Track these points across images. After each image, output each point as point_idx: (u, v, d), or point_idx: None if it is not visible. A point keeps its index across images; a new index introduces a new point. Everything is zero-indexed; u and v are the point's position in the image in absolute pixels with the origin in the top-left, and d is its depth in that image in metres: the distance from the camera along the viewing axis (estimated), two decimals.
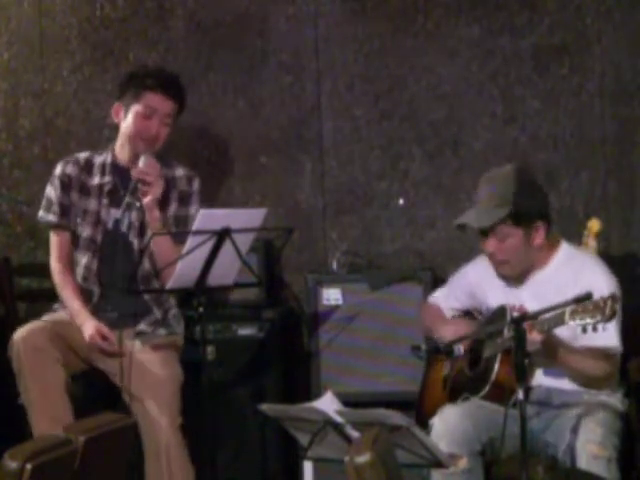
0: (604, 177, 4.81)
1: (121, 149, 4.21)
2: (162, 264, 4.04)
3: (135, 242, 4.15)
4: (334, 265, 4.84)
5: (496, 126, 4.88)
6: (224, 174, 5.06)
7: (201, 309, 3.90)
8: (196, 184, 4.25)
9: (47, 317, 4.19)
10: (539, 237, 3.79)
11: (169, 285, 3.90)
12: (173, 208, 4.18)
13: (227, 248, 3.82)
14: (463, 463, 3.64)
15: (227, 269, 3.91)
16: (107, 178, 4.19)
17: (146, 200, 4.04)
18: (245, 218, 3.90)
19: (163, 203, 4.13)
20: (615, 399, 3.84)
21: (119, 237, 4.17)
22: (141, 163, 4.06)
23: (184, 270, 3.83)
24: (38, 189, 5.01)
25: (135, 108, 4.14)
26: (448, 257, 4.84)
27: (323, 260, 4.96)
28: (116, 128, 4.28)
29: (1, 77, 5.15)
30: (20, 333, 4.02)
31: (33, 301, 4.94)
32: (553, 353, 3.65)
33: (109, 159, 4.21)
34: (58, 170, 4.22)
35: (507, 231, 3.75)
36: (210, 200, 5.00)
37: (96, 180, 4.20)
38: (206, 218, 3.80)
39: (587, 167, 4.82)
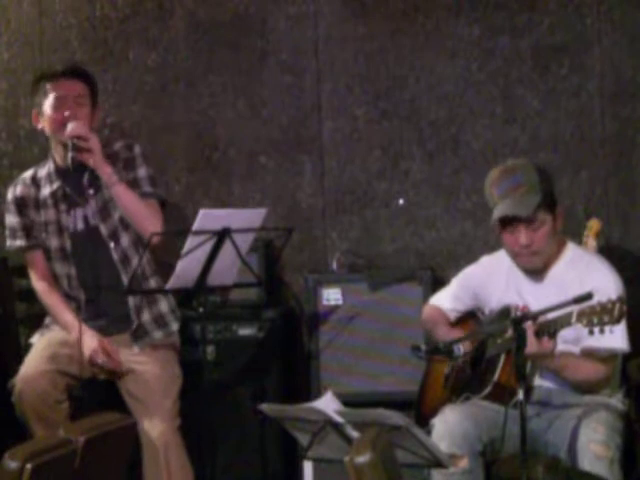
0: (604, 177, 4.81)
1: (57, 152, 4.18)
2: (131, 215, 4.05)
3: (102, 227, 4.13)
4: (334, 265, 4.84)
5: (496, 126, 4.88)
6: (224, 174, 5.06)
7: (201, 309, 3.90)
8: (137, 149, 4.22)
9: (42, 340, 4.14)
10: (560, 223, 3.82)
11: (169, 285, 3.89)
12: (122, 177, 4.12)
13: (227, 248, 3.82)
14: (464, 463, 3.64)
15: (227, 269, 3.91)
16: (56, 184, 4.17)
17: (92, 159, 4.02)
18: (245, 218, 3.90)
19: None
20: (616, 399, 3.83)
21: (89, 237, 4.14)
22: (68, 127, 4.03)
23: (184, 270, 3.83)
24: None
25: (46, 104, 4.14)
26: (448, 257, 4.84)
27: (323, 260, 4.96)
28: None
29: (1, 77, 5.15)
30: (22, 379, 3.98)
31: (32, 301, 4.93)
32: (550, 361, 3.65)
33: (52, 167, 4.20)
34: (10, 196, 4.24)
35: (542, 218, 3.75)
36: (210, 200, 5.01)
37: (47, 191, 4.19)
38: (206, 218, 3.79)
39: (587, 167, 4.82)
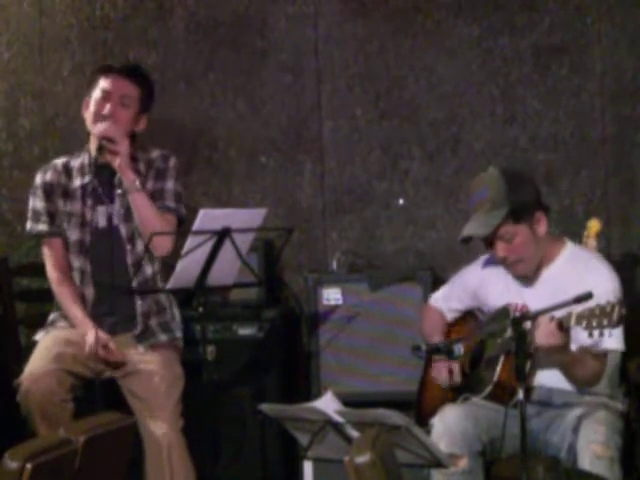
0: (604, 177, 4.81)
1: (93, 146, 4.17)
2: (144, 226, 4.04)
3: (123, 228, 4.13)
4: (334, 265, 4.84)
5: (496, 126, 4.89)
6: (224, 174, 5.06)
7: (201, 309, 3.90)
8: (172, 161, 4.21)
9: (47, 339, 4.12)
10: (542, 226, 3.77)
11: (169, 285, 3.89)
12: (150, 184, 4.15)
13: (227, 248, 3.82)
14: (463, 463, 3.63)
15: (227, 269, 3.91)
16: (88, 178, 4.17)
17: (117, 162, 4.03)
18: (245, 218, 3.90)
19: (142, 184, 4.11)
20: (616, 399, 3.83)
21: (110, 235, 4.14)
22: (101, 126, 4.05)
23: (184, 270, 3.83)
24: None
25: (93, 95, 4.15)
26: (448, 257, 4.84)
27: (323, 260, 4.96)
28: None
29: (1, 77, 5.15)
30: (28, 378, 3.95)
31: (32, 301, 4.94)
32: (564, 354, 3.63)
33: (86, 160, 4.19)
34: (38, 180, 4.21)
35: (511, 231, 3.71)
36: (210, 200, 5.01)
37: (77, 182, 4.18)
38: (206, 218, 3.79)
39: (587, 167, 4.82)
